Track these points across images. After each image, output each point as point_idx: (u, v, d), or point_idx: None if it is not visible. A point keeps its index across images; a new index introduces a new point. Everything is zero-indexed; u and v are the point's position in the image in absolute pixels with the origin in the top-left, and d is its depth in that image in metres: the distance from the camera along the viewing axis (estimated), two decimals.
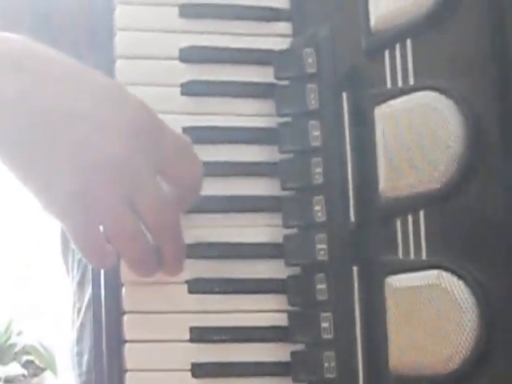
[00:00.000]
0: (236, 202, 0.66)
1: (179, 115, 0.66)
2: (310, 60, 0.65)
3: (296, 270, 0.65)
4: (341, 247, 0.62)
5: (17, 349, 3.06)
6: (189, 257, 0.63)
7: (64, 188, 0.58)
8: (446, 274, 0.54)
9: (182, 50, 0.67)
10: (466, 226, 0.54)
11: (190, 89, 0.66)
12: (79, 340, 0.80)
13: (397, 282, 0.57)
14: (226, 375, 0.64)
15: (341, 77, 0.63)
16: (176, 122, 0.64)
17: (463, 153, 0.54)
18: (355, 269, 0.61)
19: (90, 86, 0.59)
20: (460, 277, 0.53)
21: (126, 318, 0.64)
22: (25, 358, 3.07)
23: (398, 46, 0.58)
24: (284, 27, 0.68)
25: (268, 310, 0.65)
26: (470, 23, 0.55)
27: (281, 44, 0.67)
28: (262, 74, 0.67)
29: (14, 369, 2.99)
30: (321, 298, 0.63)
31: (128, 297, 0.64)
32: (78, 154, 0.57)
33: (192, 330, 0.64)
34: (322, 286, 0.63)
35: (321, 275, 0.63)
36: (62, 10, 0.74)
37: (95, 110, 0.58)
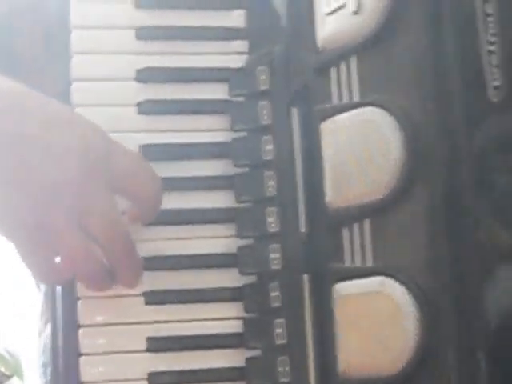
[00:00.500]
0: (192, 215, 0.67)
1: (137, 133, 0.67)
2: (263, 77, 0.67)
3: (252, 279, 0.67)
4: (293, 256, 0.64)
5: None
6: (146, 269, 0.64)
7: (10, 211, 0.58)
8: (388, 281, 0.56)
9: (138, 72, 0.67)
10: (410, 234, 0.57)
11: (147, 108, 0.67)
12: (45, 351, 0.80)
13: (344, 288, 0.59)
14: (183, 383, 0.65)
15: (292, 93, 0.65)
16: (133, 141, 0.66)
17: (403, 164, 0.56)
18: (306, 277, 0.63)
19: (37, 109, 0.59)
20: (402, 283, 0.56)
21: (81, 331, 0.64)
22: None
23: (343, 64, 0.59)
24: (241, 45, 0.70)
25: (224, 318, 0.66)
26: (410, 42, 0.57)
27: (238, 62, 0.69)
28: (220, 91, 0.68)
29: None
30: (275, 304, 0.65)
31: (83, 310, 0.65)
32: (24, 178, 0.57)
33: (148, 340, 0.65)
34: (275, 294, 0.65)
35: (274, 283, 0.65)
36: (19, 32, 0.74)
37: (43, 133, 0.58)
